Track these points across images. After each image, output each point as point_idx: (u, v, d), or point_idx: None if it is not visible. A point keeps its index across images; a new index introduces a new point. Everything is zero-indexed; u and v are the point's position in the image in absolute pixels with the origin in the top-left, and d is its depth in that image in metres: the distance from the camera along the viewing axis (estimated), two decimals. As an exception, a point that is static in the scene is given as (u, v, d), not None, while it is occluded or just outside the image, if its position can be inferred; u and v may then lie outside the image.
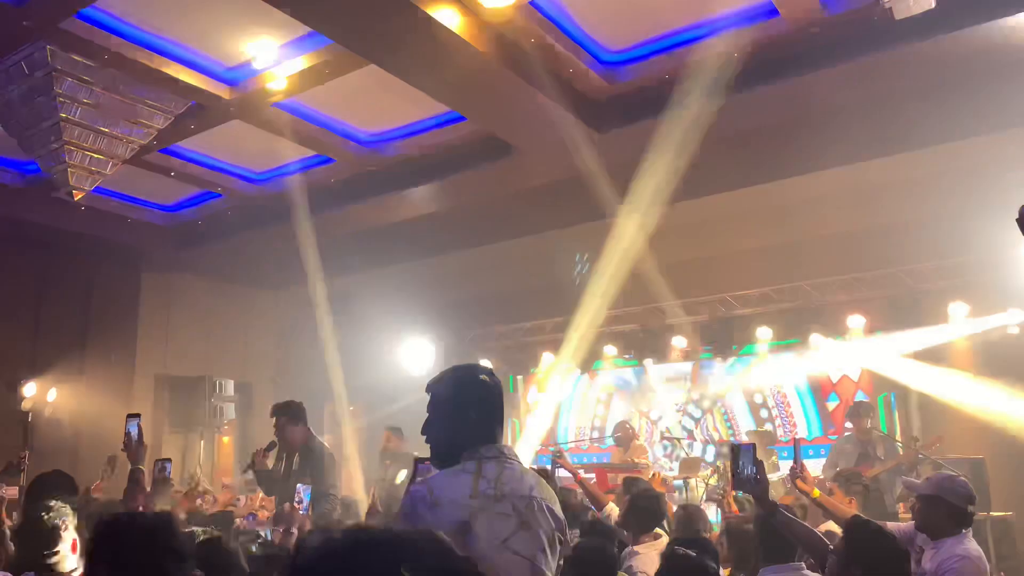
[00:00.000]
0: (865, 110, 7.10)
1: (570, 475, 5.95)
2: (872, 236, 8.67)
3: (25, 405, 9.62)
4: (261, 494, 6.61)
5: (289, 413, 5.42)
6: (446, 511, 2.08)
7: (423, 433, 2.30)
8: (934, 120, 7.39)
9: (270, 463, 5.36)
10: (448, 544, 0.81)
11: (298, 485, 4.52)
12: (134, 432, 3.53)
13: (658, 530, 4.27)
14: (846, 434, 7.60)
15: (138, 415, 3.65)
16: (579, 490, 5.25)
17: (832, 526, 4.20)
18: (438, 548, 0.79)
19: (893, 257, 8.59)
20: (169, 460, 3.82)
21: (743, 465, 3.07)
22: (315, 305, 13.10)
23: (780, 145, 7.76)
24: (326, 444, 5.58)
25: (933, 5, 5.28)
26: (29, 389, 9.72)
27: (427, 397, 2.33)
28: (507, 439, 11.39)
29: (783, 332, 9.30)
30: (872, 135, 7.56)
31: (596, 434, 10.69)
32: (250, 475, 5.85)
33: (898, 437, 7.97)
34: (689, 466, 8.66)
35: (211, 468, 11.13)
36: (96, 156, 7.01)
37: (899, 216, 8.52)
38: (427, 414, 2.30)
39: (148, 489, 3.46)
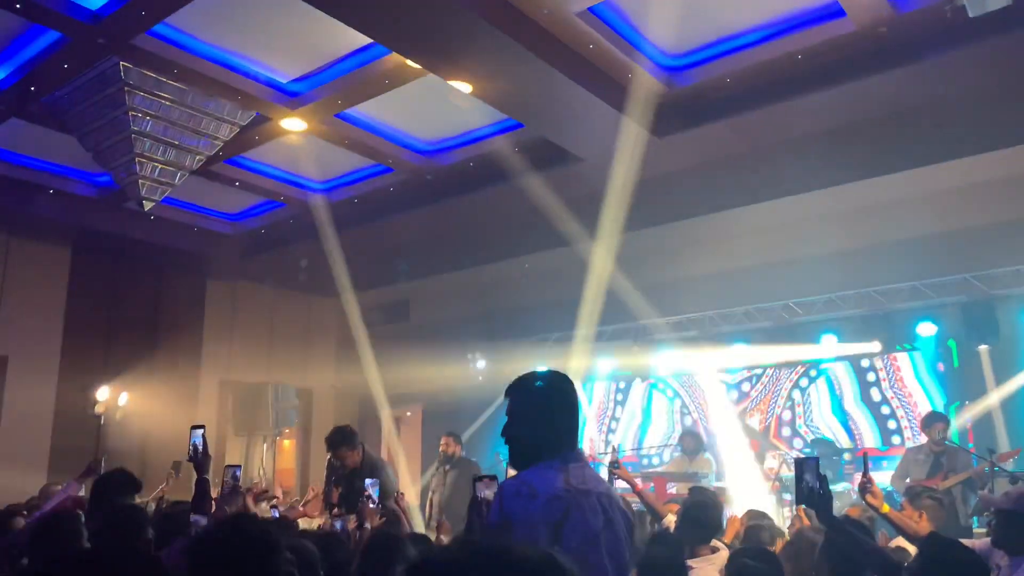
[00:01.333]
0: (935, 111, 6.89)
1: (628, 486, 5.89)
2: (945, 240, 8.39)
3: (98, 409, 9.96)
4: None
5: (345, 442, 5.50)
6: (544, 504, 2.10)
7: (504, 435, 2.34)
8: (1009, 121, 7.12)
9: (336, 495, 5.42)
10: (561, 561, 0.79)
11: (367, 481, 4.58)
12: (199, 443, 3.60)
13: (716, 543, 4.14)
14: (918, 444, 7.35)
15: (202, 426, 3.71)
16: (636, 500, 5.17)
17: (902, 542, 4.05)
18: (552, 562, 0.78)
19: (967, 262, 8.30)
20: (239, 467, 3.89)
21: (807, 479, 3.00)
22: (376, 312, 13.32)
23: (848, 147, 7.57)
24: (379, 458, 5.65)
25: (1010, 2, 5.08)
26: (102, 393, 10.06)
27: (491, 402, 2.37)
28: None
29: (850, 338, 9.05)
30: (946, 137, 7.32)
31: (665, 442, 10.53)
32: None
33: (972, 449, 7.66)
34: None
35: (272, 473, 11.34)
36: (165, 167, 7.24)
37: (974, 219, 8.24)
38: (507, 417, 2.34)
39: (215, 497, 3.54)
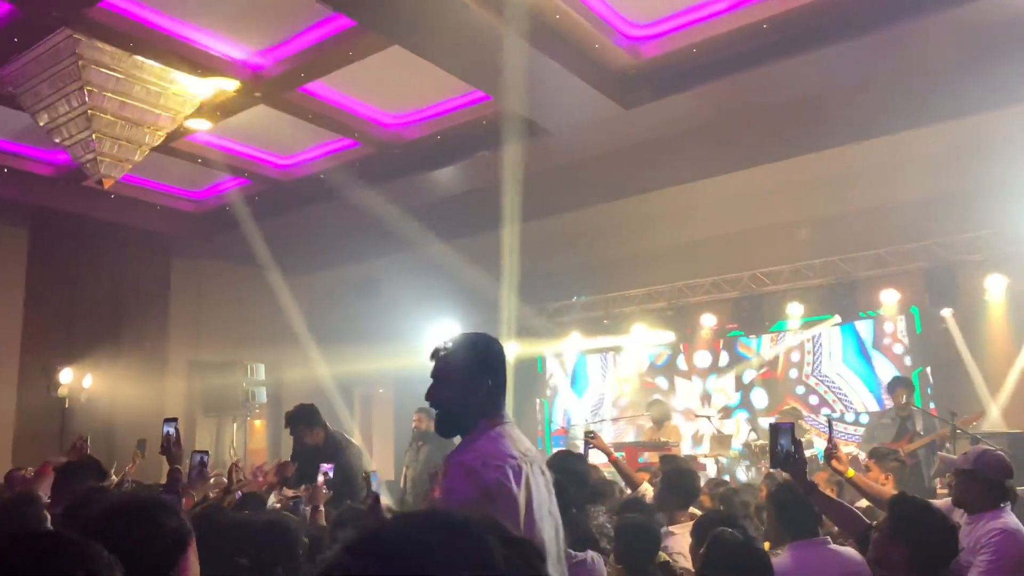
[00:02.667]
0: (895, 81, 6.96)
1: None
2: (904, 209, 8.52)
3: (62, 392, 9.79)
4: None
5: (304, 420, 5.41)
6: (514, 474, 2.09)
7: (428, 399, 2.27)
8: (965, 92, 7.21)
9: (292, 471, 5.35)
10: (507, 530, 0.78)
11: (322, 464, 4.56)
12: (172, 433, 3.60)
13: (694, 510, 4.20)
14: (883, 408, 7.52)
15: (175, 419, 3.71)
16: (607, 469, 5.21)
17: (865, 504, 4.14)
18: (500, 531, 0.77)
19: (928, 229, 8.44)
20: (206, 452, 3.87)
21: (781, 444, 3.06)
22: (344, 288, 13.23)
23: (810, 118, 7.63)
24: (343, 435, 5.57)
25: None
26: (65, 376, 9.88)
27: None
28: (535, 418, 11.43)
29: (815, 309, 9.18)
30: (904, 107, 7.41)
31: (621, 413, 10.65)
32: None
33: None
34: (720, 443, 8.62)
35: (244, 452, 11.27)
36: (124, 144, 7.06)
37: (932, 189, 8.37)
38: (433, 379, 2.27)
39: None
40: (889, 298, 8.73)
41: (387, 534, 0.74)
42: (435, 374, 2.28)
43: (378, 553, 0.72)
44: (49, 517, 3.19)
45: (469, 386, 2.22)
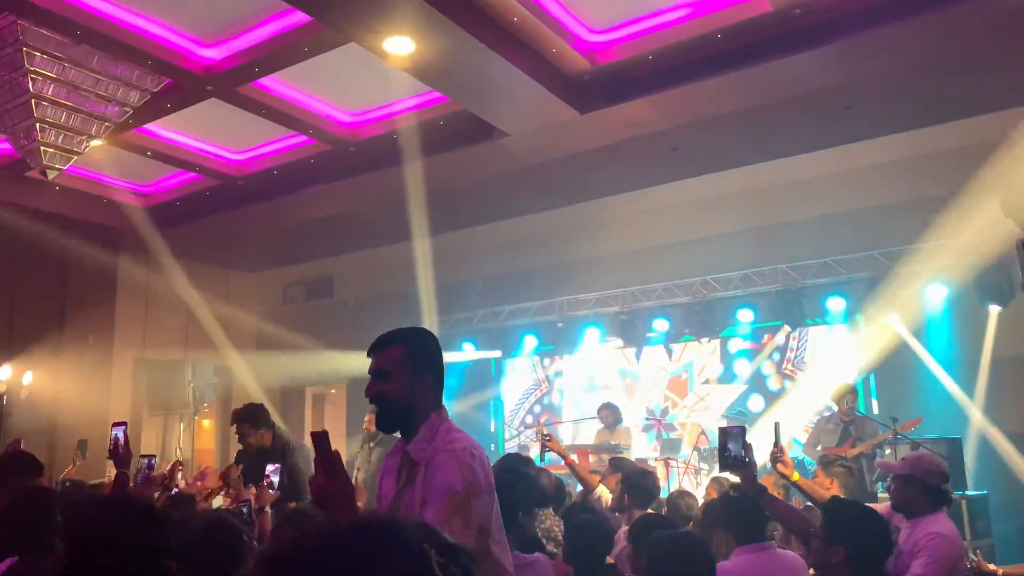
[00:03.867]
0: (848, 92, 7.13)
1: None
2: (854, 217, 8.72)
3: (0, 388, 9.50)
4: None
5: (249, 420, 5.28)
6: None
7: (369, 394, 2.25)
8: (917, 105, 7.43)
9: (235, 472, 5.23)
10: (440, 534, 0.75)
11: (268, 465, 4.50)
12: (121, 438, 3.57)
13: (650, 511, 4.24)
14: (827, 414, 7.67)
15: (124, 423, 3.68)
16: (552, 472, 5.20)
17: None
18: (433, 536, 0.74)
19: (873, 239, 8.65)
20: (154, 456, 3.83)
21: (730, 448, 3.09)
22: (296, 287, 13.07)
23: (762, 128, 7.78)
24: (293, 440, 5.46)
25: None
26: (4, 372, 9.59)
27: None
28: (489, 420, 11.43)
29: (765, 315, 9.34)
30: (857, 118, 7.59)
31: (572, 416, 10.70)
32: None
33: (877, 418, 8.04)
34: (671, 447, 8.71)
35: (192, 452, 11.05)
36: (70, 134, 6.87)
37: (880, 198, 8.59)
38: (373, 376, 2.24)
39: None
40: (836, 305, 8.92)
41: (312, 546, 0.69)
42: (376, 370, 2.25)
43: (301, 568, 0.67)
44: None
45: (413, 380, 2.22)
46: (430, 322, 11.21)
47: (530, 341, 11.03)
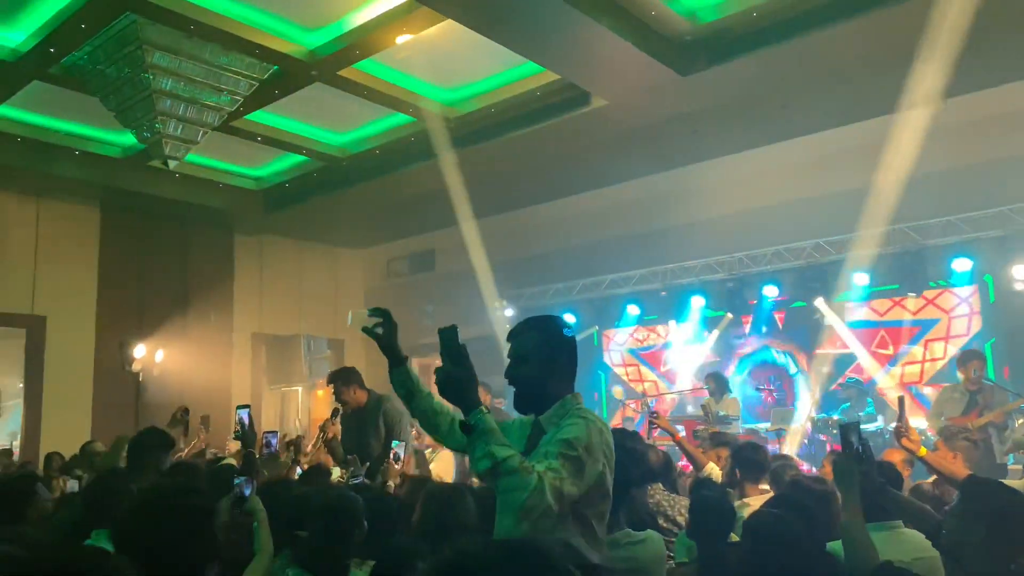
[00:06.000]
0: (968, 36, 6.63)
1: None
2: (979, 173, 8.15)
3: (135, 366, 10.18)
4: None
5: (341, 378, 5.48)
6: None
7: (508, 375, 2.38)
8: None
9: (339, 432, 5.43)
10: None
11: (392, 442, 4.67)
12: (245, 419, 3.75)
13: (764, 485, 4.14)
14: (953, 383, 7.28)
15: (248, 405, 3.85)
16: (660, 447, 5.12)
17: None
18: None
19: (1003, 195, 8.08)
20: (275, 433, 4.00)
21: (852, 443, 2.92)
22: (401, 262, 13.38)
23: (879, 79, 7.33)
24: (390, 400, 5.59)
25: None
26: (139, 351, 10.26)
27: (506, 349, 2.42)
28: (593, 393, 11.43)
29: (881, 278, 8.90)
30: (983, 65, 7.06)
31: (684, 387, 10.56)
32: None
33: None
34: (781, 417, 8.49)
35: (308, 422, 11.56)
36: (187, 125, 7.22)
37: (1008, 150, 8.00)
38: (511, 359, 2.38)
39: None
40: (962, 266, 8.40)
41: (469, 565, 0.76)
42: (514, 353, 2.38)
43: None
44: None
45: (547, 363, 2.34)
46: (528, 292, 11.28)
47: (632, 310, 10.91)
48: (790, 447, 8.10)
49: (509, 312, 11.33)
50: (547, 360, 2.34)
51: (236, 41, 6.84)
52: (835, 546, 2.87)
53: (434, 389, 2.18)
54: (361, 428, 5.32)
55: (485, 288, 11.21)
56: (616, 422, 10.66)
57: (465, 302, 11.08)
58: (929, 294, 8.90)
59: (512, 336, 2.41)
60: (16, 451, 9.47)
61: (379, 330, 2.51)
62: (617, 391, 11.11)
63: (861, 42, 6.65)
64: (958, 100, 7.75)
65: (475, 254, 11.16)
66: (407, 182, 9.85)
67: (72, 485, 5.18)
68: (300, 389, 11.68)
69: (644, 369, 11.38)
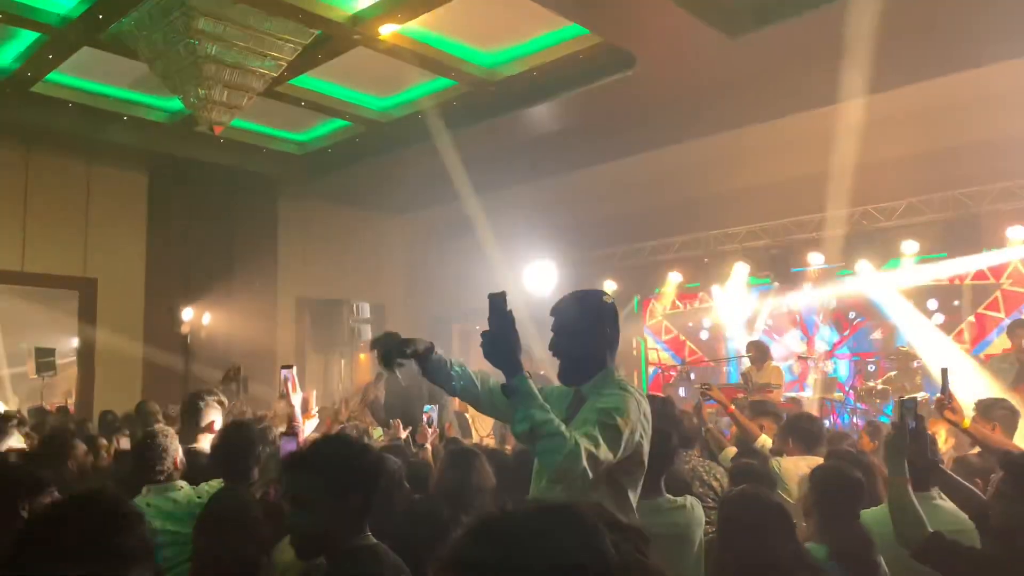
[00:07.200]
0: None
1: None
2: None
3: (184, 329, 10.44)
4: None
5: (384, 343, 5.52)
6: None
7: (551, 349, 2.46)
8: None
9: (382, 394, 5.50)
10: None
11: (426, 407, 4.74)
12: (290, 380, 3.80)
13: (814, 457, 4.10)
14: (1004, 352, 7.12)
15: (292, 365, 3.92)
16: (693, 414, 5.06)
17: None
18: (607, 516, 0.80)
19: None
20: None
21: (908, 420, 2.87)
22: (443, 228, 13.42)
23: (943, 34, 7.04)
24: None
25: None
26: (187, 314, 10.51)
27: (549, 319, 2.47)
28: (631, 360, 11.42)
29: (932, 246, 8.69)
30: None
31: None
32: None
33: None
34: (825, 386, 8.40)
35: (351, 386, 11.76)
36: (232, 90, 7.29)
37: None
38: (555, 334, 2.46)
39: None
40: (1016, 234, 8.15)
41: (499, 523, 0.79)
42: (557, 327, 2.45)
43: (489, 543, 0.78)
44: None
45: (589, 335, 2.42)
46: (569, 259, 11.25)
47: (674, 277, 10.84)
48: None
49: (552, 277, 11.31)
50: (589, 333, 2.42)
51: (280, 6, 6.85)
52: (868, 513, 2.86)
53: (478, 353, 2.21)
54: (406, 392, 5.41)
55: (525, 254, 11.22)
56: (655, 390, 10.65)
57: (505, 266, 11.09)
58: (981, 261, 8.67)
59: (555, 311, 2.47)
60: (72, 408, 9.82)
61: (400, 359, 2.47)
62: (656, 359, 11.09)
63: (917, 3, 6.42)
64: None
65: (515, 220, 11.16)
66: (449, 148, 9.83)
67: (125, 443, 5.36)
68: (343, 354, 11.86)
69: (683, 337, 11.33)
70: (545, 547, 0.74)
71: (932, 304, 9.10)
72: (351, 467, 1.97)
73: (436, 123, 9.36)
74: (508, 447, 4.80)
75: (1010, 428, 4.65)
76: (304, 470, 1.98)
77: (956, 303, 8.95)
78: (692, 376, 9.52)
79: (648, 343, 11.58)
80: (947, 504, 3.12)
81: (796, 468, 3.80)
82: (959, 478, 3.20)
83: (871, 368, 8.99)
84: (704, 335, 11.11)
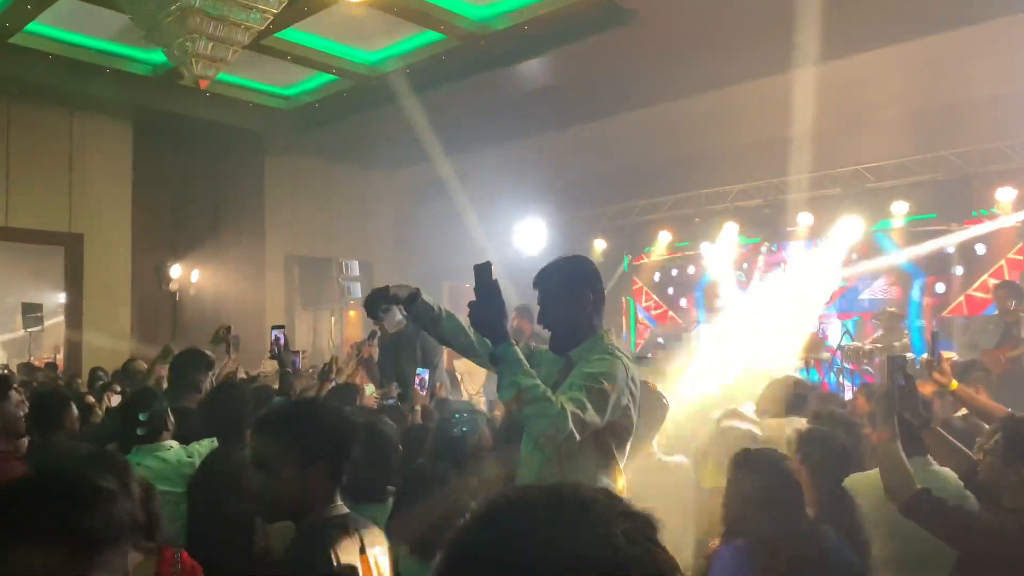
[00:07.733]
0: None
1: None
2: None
3: (172, 287, 10.37)
4: None
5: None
6: None
7: (540, 321, 2.49)
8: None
9: (375, 353, 5.48)
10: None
11: (418, 370, 4.75)
12: (281, 340, 3.84)
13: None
14: (989, 313, 7.19)
15: (282, 325, 3.98)
16: None
17: None
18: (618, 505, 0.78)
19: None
20: (298, 353, 4.13)
21: (896, 379, 2.87)
22: (431, 185, 13.31)
23: None
24: None
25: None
26: (175, 271, 10.44)
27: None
28: (621, 318, 11.46)
29: (921, 207, 8.71)
30: None
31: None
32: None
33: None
34: (813, 346, 8.47)
35: (341, 343, 11.77)
36: (217, 44, 7.12)
37: None
38: (540, 306, 2.48)
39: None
40: (1005, 195, 8.17)
41: (505, 509, 0.78)
42: (541, 298, 2.46)
43: (495, 528, 0.77)
44: None
45: (572, 304, 2.41)
46: (559, 218, 11.21)
47: (664, 236, 10.83)
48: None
49: (541, 235, 11.29)
50: (572, 301, 2.41)
51: (264, -44, 6.68)
52: (855, 478, 2.89)
53: (466, 322, 2.22)
54: (399, 353, 5.40)
55: (514, 213, 11.17)
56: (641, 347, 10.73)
57: (495, 224, 11.05)
58: (971, 224, 8.70)
59: (538, 282, 2.48)
60: (60, 364, 9.79)
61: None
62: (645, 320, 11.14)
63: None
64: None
65: (505, 178, 11.09)
66: (438, 103, 9.70)
67: (116, 400, 5.36)
68: (333, 311, 11.85)
69: (673, 295, 11.37)
70: (555, 539, 0.73)
71: (921, 266, 9.14)
72: (318, 433, 1.86)
73: (425, 78, 9.23)
74: (497, 412, 4.83)
75: (989, 389, 4.73)
76: (268, 433, 1.88)
77: (945, 264, 8.99)
78: (660, 340, 9.56)
79: (636, 302, 11.61)
80: (945, 471, 3.16)
81: (780, 431, 3.83)
82: (946, 435, 3.23)
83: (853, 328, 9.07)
84: (692, 296, 11.14)
